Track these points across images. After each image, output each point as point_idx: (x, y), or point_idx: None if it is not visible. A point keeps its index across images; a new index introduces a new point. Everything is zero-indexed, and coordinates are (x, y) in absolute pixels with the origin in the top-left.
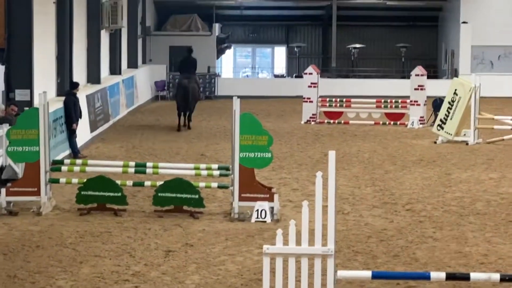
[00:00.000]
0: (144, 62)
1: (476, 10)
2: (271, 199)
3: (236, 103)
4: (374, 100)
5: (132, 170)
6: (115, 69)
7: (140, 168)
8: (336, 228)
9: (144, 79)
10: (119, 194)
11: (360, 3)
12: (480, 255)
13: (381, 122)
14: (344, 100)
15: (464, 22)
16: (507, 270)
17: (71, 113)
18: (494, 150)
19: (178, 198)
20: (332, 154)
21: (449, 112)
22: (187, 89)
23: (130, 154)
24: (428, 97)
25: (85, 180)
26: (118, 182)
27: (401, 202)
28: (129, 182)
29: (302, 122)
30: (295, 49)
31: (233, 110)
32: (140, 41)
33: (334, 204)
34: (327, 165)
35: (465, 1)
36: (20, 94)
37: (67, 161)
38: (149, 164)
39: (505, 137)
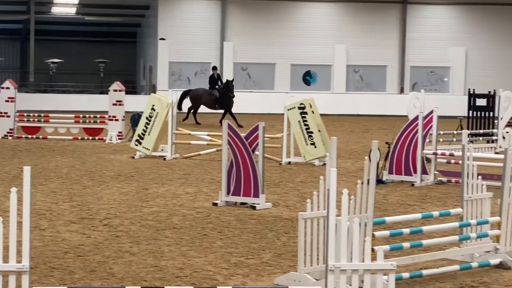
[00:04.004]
0: None
1: (173, 27)
2: None
3: None
4: (73, 115)
5: None
6: None
7: None
8: (32, 244)
9: None
10: None
11: (58, 18)
12: (176, 268)
13: (79, 137)
14: (42, 115)
15: (162, 39)
16: (202, 283)
17: None
18: (190, 165)
19: None
20: (27, 170)
21: (147, 128)
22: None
23: None
24: (126, 112)
25: None
26: None
27: (99, 217)
28: None
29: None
30: None
31: None
32: None
33: (29, 220)
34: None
35: (163, 18)
36: None
37: None
38: None
39: (201, 152)
